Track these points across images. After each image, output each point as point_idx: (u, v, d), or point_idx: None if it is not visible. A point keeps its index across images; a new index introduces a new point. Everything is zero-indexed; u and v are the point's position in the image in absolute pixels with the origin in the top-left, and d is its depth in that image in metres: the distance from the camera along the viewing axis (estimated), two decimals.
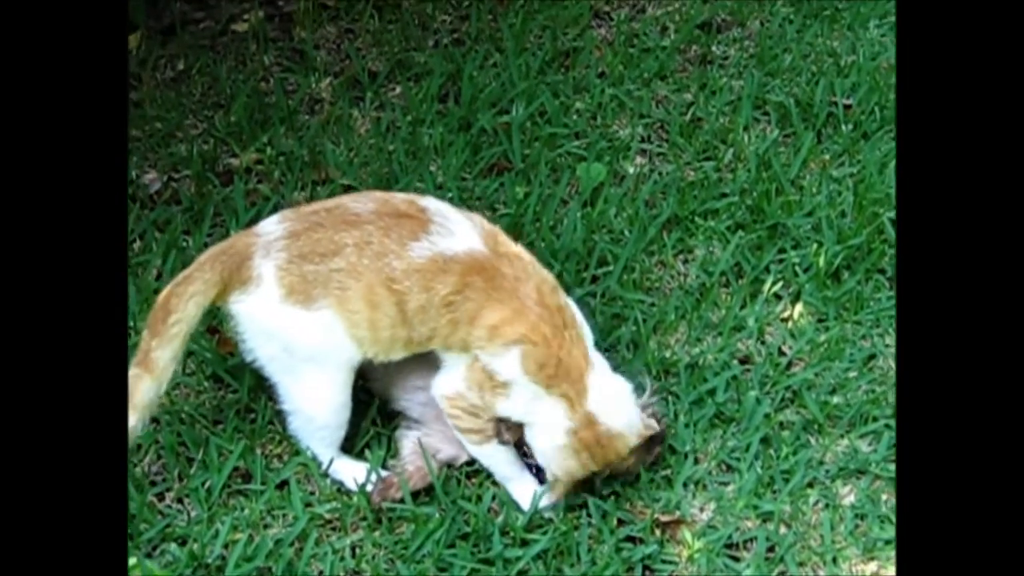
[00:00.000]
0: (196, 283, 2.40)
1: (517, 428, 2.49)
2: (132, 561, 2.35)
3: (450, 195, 3.16)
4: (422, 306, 2.39)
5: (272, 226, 2.47)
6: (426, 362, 2.53)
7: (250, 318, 2.44)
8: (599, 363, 2.48)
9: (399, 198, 2.51)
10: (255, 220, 3.01)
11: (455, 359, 2.47)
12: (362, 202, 2.48)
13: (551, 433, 2.45)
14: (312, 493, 2.56)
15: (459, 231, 2.43)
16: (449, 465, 2.59)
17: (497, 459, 2.55)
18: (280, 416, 2.60)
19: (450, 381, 2.49)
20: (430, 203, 2.49)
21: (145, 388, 2.40)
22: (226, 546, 2.45)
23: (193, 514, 2.51)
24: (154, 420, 2.60)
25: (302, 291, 2.39)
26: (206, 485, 2.55)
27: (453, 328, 2.41)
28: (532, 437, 2.49)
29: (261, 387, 2.63)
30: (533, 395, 2.42)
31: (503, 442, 2.49)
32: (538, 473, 2.57)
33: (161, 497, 2.54)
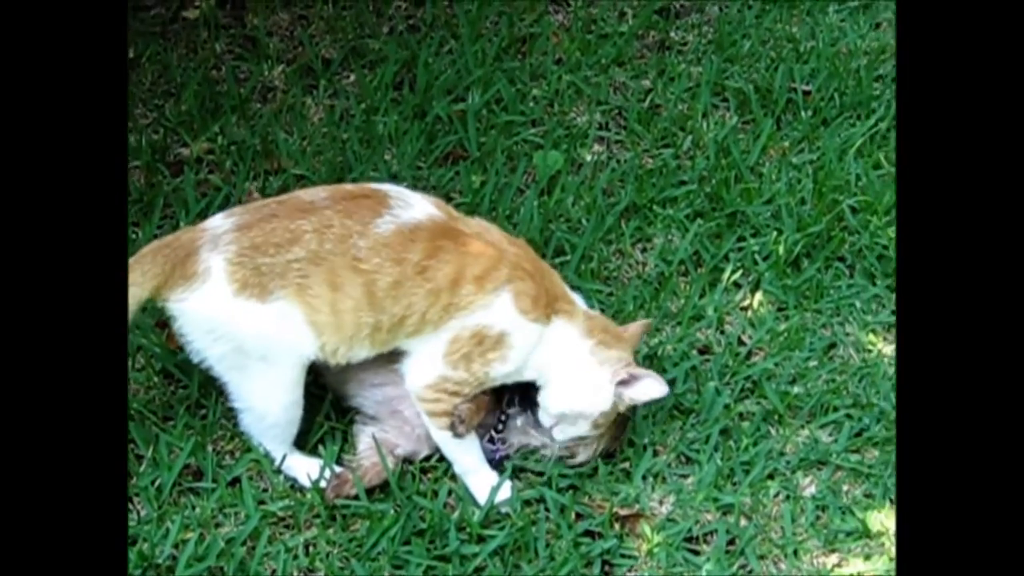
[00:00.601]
0: (134, 274, 2.33)
1: (472, 419, 2.46)
2: None
3: (405, 184, 3.09)
4: (396, 281, 2.34)
5: (219, 220, 2.41)
6: (382, 359, 2.48)
7: (195, 316, 2.37)
8: None
9: (349, 185, 2.52)
10: (206, 211, 2.98)
11: (425, 342, 2.42)
12: (313, 192, 2.46)
13: (574, 350, 2.46)
14: (265, 490, 2.52)
15: (416, 203, 2.43)
16: (408, 461, 2.55)
17: (463, 447, 2.51)
18: (231, 412, 2.55)
19: (428, 367, 2.44)
20: (380, 186, 2.49)
21: None
22: (176, 546, 2.40)
23: (143, 513, 2.46)
24: None
25: (256, 284, 2.33)
26: (156, 483, 2.50)
27: (434, 299, 2.36)
28: (555, 380, 2.49)
29: (212, 383, 2.57)
30: (536, 337, 2.43)
31: (457, 435, 2.45)
32: (496, 467, 2.54)
33: None
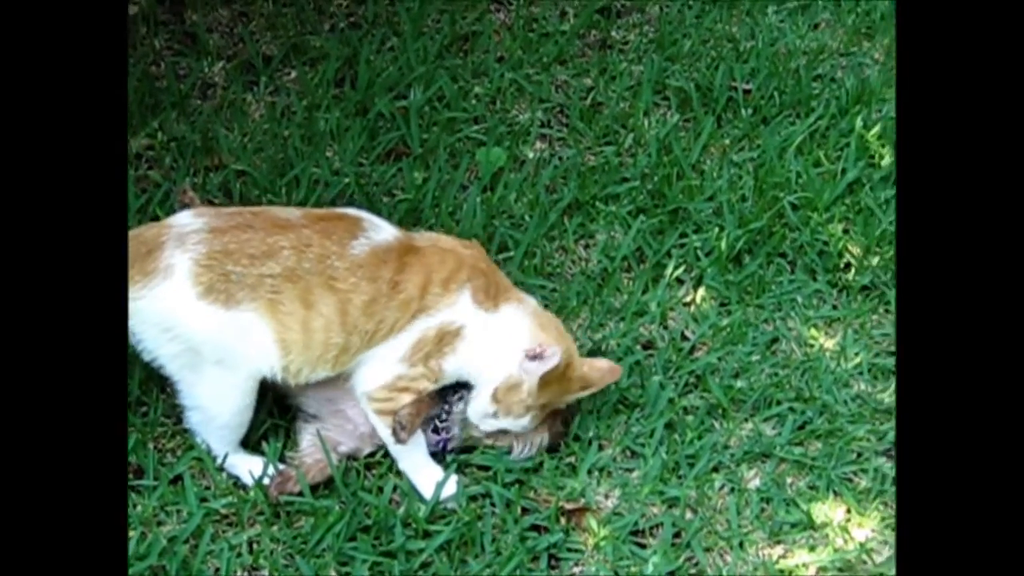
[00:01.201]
0: None
1: (413, 423, 2.45)
2: None
3: (347, 180, 3.09)
4: (371, 299, 2.37)
5: (187, 219, 2.38)
6: None
7: (151, 313, 2.33)
8: None
9: (320, 209, 2.59)
10: (146, 208, 2.94)
11: (382, 347, 2.42)
12: (287, 211, 2.49)
13: (520, 326, 2.50)
14: (207, 488, 2.49)
15: (383, 226, 2.48)
16: (351, 458, 2.53)
17: (408, 445, 2.49)
18: (173, 410, 2.52)
19: (385, 369, 2.44)
20: (349, 210, 2.54)
21: None
22: None
23: None
24: None
25: (223, 291, 2.31)
26: None
27: (404, 309, 2.41)
28: (497, 365, 2.49)
29: (152, 380, 2.55)
30: (483, 326, 2.46)
31: (400, 441, 2.45)
32: (442, 456, 2.54)
33: None
